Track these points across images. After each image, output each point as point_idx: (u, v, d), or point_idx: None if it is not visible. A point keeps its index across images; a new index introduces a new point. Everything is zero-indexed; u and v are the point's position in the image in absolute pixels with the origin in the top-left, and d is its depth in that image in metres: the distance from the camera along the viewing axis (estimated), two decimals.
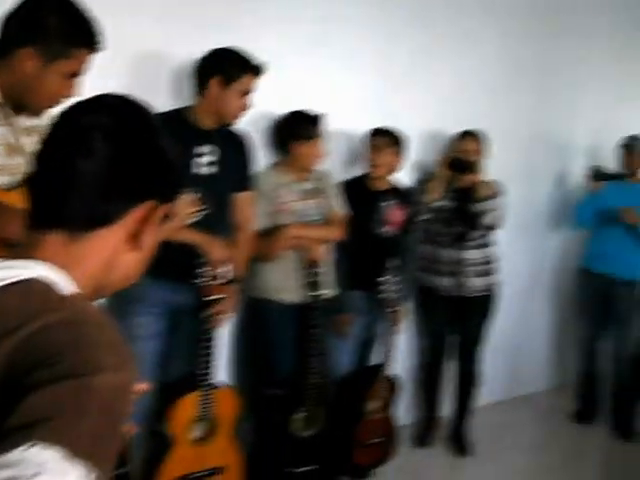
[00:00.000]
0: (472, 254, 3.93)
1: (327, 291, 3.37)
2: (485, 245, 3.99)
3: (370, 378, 3.66)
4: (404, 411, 4.17)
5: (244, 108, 2.90)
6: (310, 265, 3.26)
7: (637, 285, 4.53)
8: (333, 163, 3.62)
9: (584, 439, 4.62)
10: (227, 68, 2.81)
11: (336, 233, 3.41)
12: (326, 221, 3.40)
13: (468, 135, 3.88)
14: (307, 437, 3.36)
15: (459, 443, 4.18)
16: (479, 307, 4.06)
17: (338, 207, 3.45)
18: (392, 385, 3.74)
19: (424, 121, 4.06)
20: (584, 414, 4.85)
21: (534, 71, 4.64)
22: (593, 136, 5.14)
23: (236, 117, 2.92)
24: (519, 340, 5.01)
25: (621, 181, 4.45)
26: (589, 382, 4.87)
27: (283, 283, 3.30)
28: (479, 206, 3.80)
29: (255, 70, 2.85)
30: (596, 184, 4.55)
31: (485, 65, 4.34)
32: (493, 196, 3.85)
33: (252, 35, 3.18)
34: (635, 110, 5.41)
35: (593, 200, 4.57)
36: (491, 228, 3.91)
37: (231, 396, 3.11)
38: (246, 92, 2.87)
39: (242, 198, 3.09)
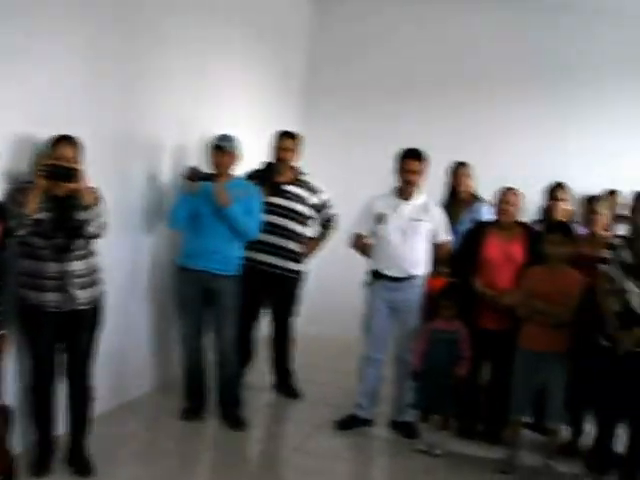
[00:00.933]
0: (76, 265, 3.76)
1: None
2: (89, 255, 3.85)
3: None
4: (18, 439, 3.83)
5: None
6: None
7: (233, 278, 4.75)
8: None
9: (197, 436, 4.73)
10: None
11: None
12: None
13: (63, 140, 3.68)
14: None
15: (79, 464, 3.95)
16: (87, 320, 3.90)
17: None
18: (5, 415, 3.44)
19: (11, 126, 3.74)
20: (193, 411, 4.95)
21: (120, 71, 4.59)
22: (178, 136, 5.25)
23: None
24: (121, 345, 4.93)
25: (213, 181, 4.61)
26: (195, 378, 4.99)
27: None
28: (82, 215, 3.65)
29: None
30: (191, 184, 4.66)
31: (74, 65, 4.17)
32: (95, 203, 3.72)
33: None
34: (214, 109, 5.66)
35: (187, 200, 4.68)
36: (95, 237, 3.79)
37: None
38: None
39: None
